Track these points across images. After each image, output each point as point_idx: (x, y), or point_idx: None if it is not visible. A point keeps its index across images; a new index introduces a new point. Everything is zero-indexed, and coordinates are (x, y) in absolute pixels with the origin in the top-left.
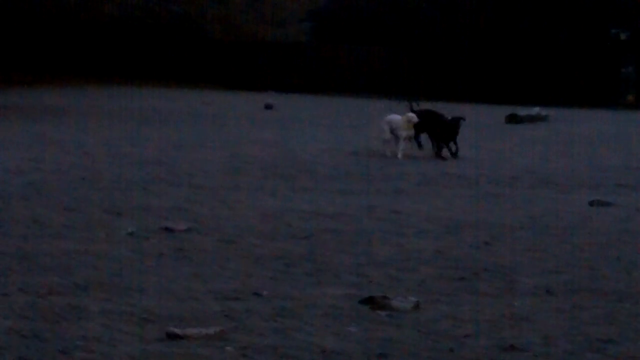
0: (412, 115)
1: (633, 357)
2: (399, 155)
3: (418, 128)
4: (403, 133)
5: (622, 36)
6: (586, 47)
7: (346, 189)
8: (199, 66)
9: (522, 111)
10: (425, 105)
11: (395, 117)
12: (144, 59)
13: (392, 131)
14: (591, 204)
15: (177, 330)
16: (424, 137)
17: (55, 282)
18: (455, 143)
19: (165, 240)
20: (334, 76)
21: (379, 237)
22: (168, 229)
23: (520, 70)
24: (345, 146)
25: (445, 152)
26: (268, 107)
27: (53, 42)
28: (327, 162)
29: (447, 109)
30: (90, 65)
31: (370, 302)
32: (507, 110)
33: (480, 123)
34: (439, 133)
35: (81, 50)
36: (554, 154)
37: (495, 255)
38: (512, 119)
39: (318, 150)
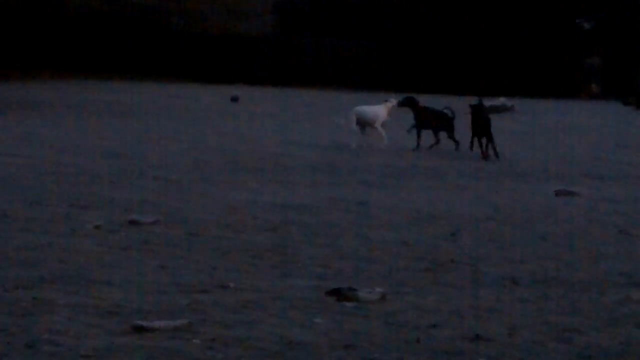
0: (393, 102)
1: (598, 346)
2: (385, 143)
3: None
4: (380, 121)
5: (587, 26)
6: (550, 38)
7: (313, 181)
8: (164, 59)
9: (487, 102)
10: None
11: (363, 109)
12: (109, 52)
13: (359, 123)
14: (557, 194)
15: (144, 323)
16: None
17: (21, 276)
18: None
19: (132, 233)
20: (301, 69)
21: (345, 229)
22: (134, 222)
23: (485, 61)
24: (311, 139)
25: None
26: (234, 99)
27: (18, 37)
28: (294, 155)
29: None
30: (55, 59)
31: (337, 293)
32: (472, 101)
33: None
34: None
35: (46, 44)
36: (519, 144)
37: (461, 246)
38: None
39: (284, 143)
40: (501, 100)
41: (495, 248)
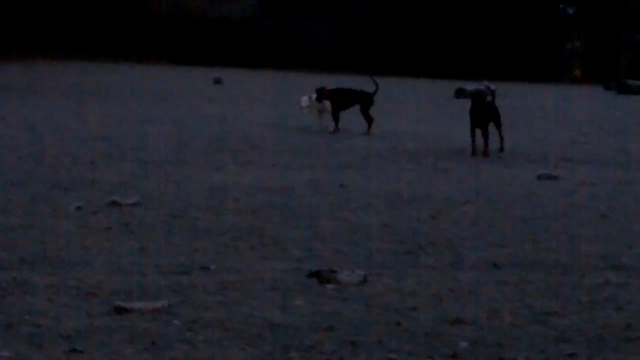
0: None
1: (577, 329)
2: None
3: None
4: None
5: (569, 11)
6: (533, 22)
7: (293, 164)
8: (145, 41)
9: (470, 86)
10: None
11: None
12: (90, 34)
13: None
14: (538, 177)
15: (124, 304)
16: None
17: (0, 257)
18: None
19: (112, 215)
20: (283, 51)
21: (325, 211)
22: (115, 204)
23: (467, 44)
24: (292, 121)
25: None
26: (217, 81)
27: None
28: (274, 137)
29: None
30: (34, 41)
31: (318, 276)
32: (455, 85)
33: (428, 98)
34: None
35: (25, 25)
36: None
37: (441, 229)
38: (461, 93)
39: (265, 125)
40: (484, 84)
41: (475, 231)
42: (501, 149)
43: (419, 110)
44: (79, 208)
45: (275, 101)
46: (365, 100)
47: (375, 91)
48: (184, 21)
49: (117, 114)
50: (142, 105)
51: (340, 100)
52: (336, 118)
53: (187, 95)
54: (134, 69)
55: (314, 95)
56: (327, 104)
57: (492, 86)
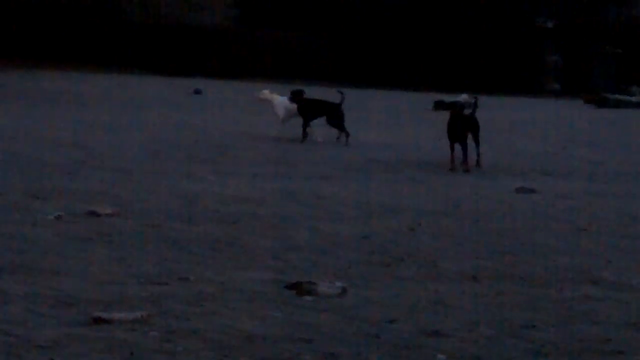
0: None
1: (554, 342)
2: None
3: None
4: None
5: (548, 24)
6: (512, 35)
7: (270, 174)
8: (124, 50)
9: (449, 98)
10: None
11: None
12: (65, 42)
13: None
14: (516, 190)
15: (101, 315)
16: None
17: None
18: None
19: (90, 225)
20: (258, 61)
21: (303, 222)
22: (93, 213)
23: (447, 57)
24: (270, 131)
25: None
26: (197, 92)
27: None
28: (252, 147)
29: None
30: (8, 48)
31: (296, 287)
32: (435, 97)
33: (407, 110)
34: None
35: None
36: (479, 140)
37: (420, 241)
38: (440, 106)
39: (241, 135)
40: (463, 97)
41: (454, 243)
42: (477, 163)
43: (398, 122)
44: (57, 217)
45: (252, 111)
46: (332, 111)
47: (342, 102)
48: (160, 30)
49: (95, 122)
50: (120, 114)
51: (310, 110)
52: (305, 128)
53: (165, 104)
54: (113, 79)
55: (281, 98)
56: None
57: (473, 98)
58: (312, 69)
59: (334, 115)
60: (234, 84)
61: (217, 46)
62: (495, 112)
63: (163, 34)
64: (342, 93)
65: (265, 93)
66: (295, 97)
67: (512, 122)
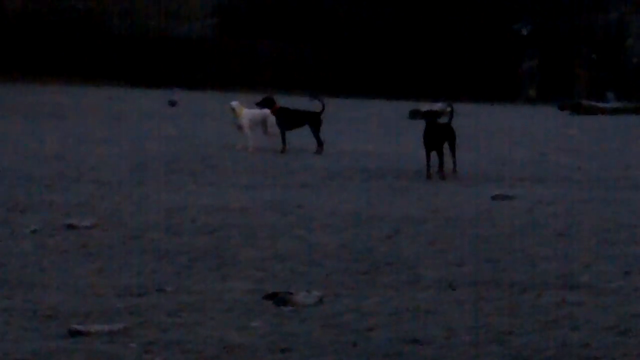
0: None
1: (535, 349)
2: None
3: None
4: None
5: (524, 31)
6: (488, 42)
7: (250, 184)
8: (102, 62)
9: (426, 107)
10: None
11: (252, 111)
12: (47, 55)
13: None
14: (494, 197)
15: (80, 327)
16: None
17: None
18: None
19: (69, 237)
20: (240, 72)
21: (283, 231)
22: (72, 226)
23: (423, 65)
24: (248, 142)
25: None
26: (172, 103)
27: None
28: (232, 157)
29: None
30: None
31: (274, 297)
32: (410, 105)
33: (383, 118)
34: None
35: None
36: (457, 148)
37: (399, 249)
38: (416, 114)
39: (222, 146)
40: (439, 106)
41: (433, 250)
42: (454, 171)
43: (375, 130)
44: (35, 230)
45: (231, 121)
46: (313, 120)
47: (322, 110)
48: (141, 42)
49: (74, 134)
50: (99, 126)
51: (288, 119)
52: (284, 137)
53: (144, 116)
54: (90, 90)
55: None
56: (270, 117)
57: (449, 107)
58: (292, 78)
59: (315, 124)
60: (212, 94)
61: (195, 57)
62: (472, 119)
63: (143, 46)
64: (321, 101)
65: (233, 104)
66: (265, 104)
67: (489, 129)
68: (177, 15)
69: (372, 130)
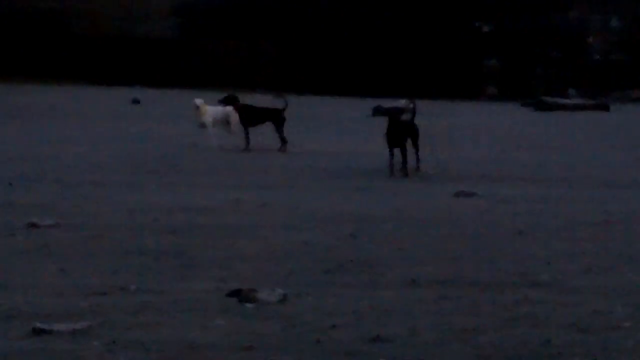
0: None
1: (497, 346)
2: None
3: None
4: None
5: (485, 28)
6: (449, 40)
7: (213, 183)
8: (64, 61)
9: (388, 104)
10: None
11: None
12: (8, 55)
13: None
14: (456, 195)
15: (43, 326)
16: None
17: None
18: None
19: (31, 236)
20: (201, 71)
21: (246, 230)
22: (33, 225)
23: (386, 63)
24: (212, 140)
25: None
26: (135, 101)
27: None
28: (194, 157)
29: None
30: None
31: (238, 295)
32: (374, 103)
33: (347, 116)
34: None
35: None
36: (419, 145)
37: (361, 248)
38: (378, 111)
39: (185, 145)
40: (402, 103)
41: (394, 249)
42: (417, 168)
43: (338, 128)
44: None
45: (192, 121)
46: (276, 117)
47: (285, 107)
48: (102, 41)
49: (35, 134)
50: (61, 125)
51: (250, 116)
52: (246, 134)
53: (106, 115)
54: (52, 90)
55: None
56: (233, 115)
57: (412, 104)
58: (254, 77)
59: (278, 121)
60: (176, 93)
61: (158, 56)
62: (434, 117)
63: (105, 45)
64: (284, 99)
65: (197, 102)
66: (228, 102)
67: (451, 126)
68: (137, 15)
69: (335, 128)
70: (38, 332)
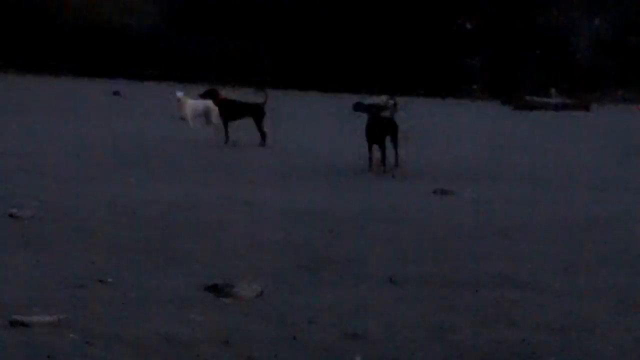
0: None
1: (473, 345)
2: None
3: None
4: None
5: (468, 26)
6: (432, 38)
7: (198, 179)
8: (45, 53)
9: (368, 100)
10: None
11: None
12: None
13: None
14: (435, 192)
15: (21, 318)
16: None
17: None
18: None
19: (10, 227)
20: (185, 65)
21: (227, 226)
22: (13, 216)
23: (367, 59)
24: (196, 136)
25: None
26: (116, 93)
27: None
28: (179, 152)
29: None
30: None
31: (215, 289)
32: (354, 99)
33: (327, 112)
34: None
35: None
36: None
37: (340, 244)
38: (359, 107)
39: (169, 139)
40: (383, 99)
41: (373, 246)
42: (396, 165)
43: (319, 125)
44: None
45: (176, 115)
46: (256, 112)
47: (265, 102)
48: (85, 33)
49: (18, 127)
50: (43, 118)
51: (230, 110)
52: (226, 128)
53: (88, 107)
54: (34, 82)
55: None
56: (213, 108)
57: (392, 101)
58: (239, 72)
59: (258, 116)
60: (158, 85)
61: (139, 49)
62: (416, 115)
63: (87, 37)
64: (265, 93)
65: (179, 95)
66: (208, 96)
67: (433, 124)
68: (121, 7)
69: (316, 123)
70: (15, 323)
